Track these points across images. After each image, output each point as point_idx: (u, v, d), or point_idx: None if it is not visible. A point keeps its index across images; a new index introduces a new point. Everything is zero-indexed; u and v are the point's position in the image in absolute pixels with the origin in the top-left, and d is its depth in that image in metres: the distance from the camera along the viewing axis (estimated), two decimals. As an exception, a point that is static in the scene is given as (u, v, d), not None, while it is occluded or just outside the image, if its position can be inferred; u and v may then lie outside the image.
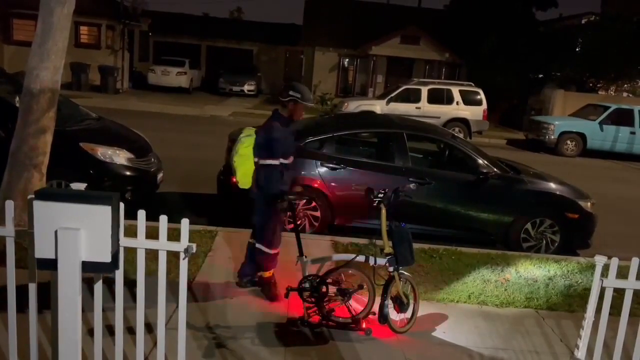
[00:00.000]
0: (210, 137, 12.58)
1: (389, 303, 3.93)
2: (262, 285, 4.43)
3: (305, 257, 4.05)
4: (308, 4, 27.74)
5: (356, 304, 4.15)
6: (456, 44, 24.86)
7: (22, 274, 2.71)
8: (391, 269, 3.96)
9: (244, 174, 4.30)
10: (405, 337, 3.96)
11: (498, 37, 23.17)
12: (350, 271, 4.11)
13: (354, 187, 6.17)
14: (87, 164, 6.07)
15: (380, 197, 4.00)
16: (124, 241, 2.57)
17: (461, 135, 14.63)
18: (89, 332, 2.83)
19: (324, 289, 3.94)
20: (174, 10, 38.39)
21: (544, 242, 6.46)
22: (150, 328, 3.15)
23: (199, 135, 13.48)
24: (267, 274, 4.38)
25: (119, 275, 2.65)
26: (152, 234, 2.75)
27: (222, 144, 7.02)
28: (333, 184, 6.26)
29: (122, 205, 2.39)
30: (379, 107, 16.82)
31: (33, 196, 2.16)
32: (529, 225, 6.43)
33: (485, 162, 6.53)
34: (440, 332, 4.13)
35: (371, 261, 3.99)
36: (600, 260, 3.09)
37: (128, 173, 6.32)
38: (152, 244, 2.71)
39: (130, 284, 2.88)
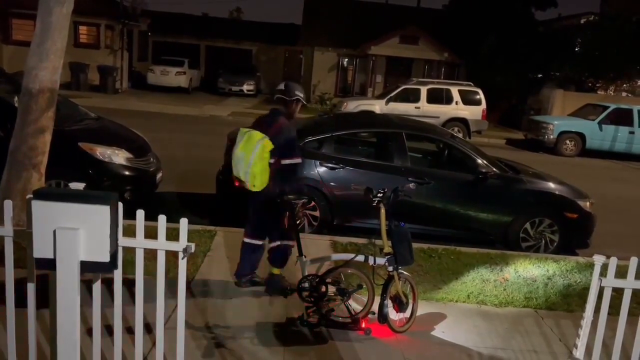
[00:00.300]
0: (209, 137, 12.57)
1: (388, 303, 3.93)
2: (273, 282, 4.43)
3: (305, 256, 4.06)
4: (307, 4, 27.72)
5: (355, 304, 4.15)
6: (455, 43, 24.85)
7: (21, 274, 2.71)
8: (390, 268, 3.96)
9: (264, 178, 4.21)
10: (405, 336, 3.96)
11: (497, 37, 23.18)
12: (349, 271, 4.12)
13: (353, 187, 6.17)
14: (86, 164, 6.07)
15: (379, 197, 4.00)
16: (123, 241, 2.57)
17: (460, 135, 14.65)
18: (88, 332, 2.83)
19: (323, 288, 3.94)
20: (173, 10, 38.38)
21: (543, 241, 6.46)
22: (149, 328, 3.16)
23: (198, 135, 13.48)
24: (278, 270, 4.45)
25: (118, 275, 2.65)
26: (151, 233, 2.75)
27: (221, 143, 7.02)
28: (332, 183, 6.26)
29: (120, 205, 2.39)
30: (378, 106, 16.82)
31: (31, 196, 2.16)
32: (528, 225, 6.43)
33: (485, 161, 6.54)
34: (439, 331, 4.13)
35: (370, 261, 3.99)
36: (599, 259, 3.09)
37: (127, 173, 6.31)
38: (150, 244, 2.70)
39: (129, 284, 2.87)
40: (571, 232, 6.51)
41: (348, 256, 4.12)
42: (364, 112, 15.64)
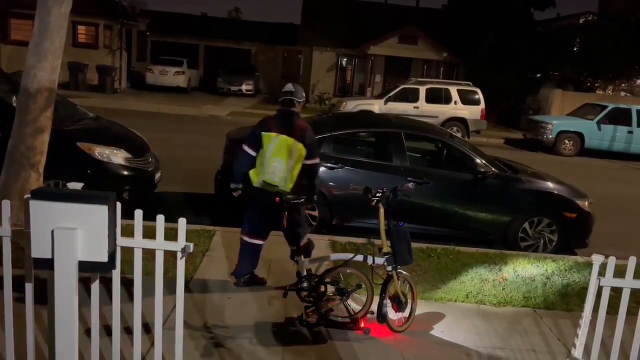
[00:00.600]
0: (208, 136, 12.57)
1: (387, 302, 3.93)
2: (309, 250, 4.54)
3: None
4: (306, 3, 27.70)
5: (354, 304, 4.15)
6: (454, 43, 24.85)
7: (19, 274, 2.70)
8: (389, 268, 3.96)
9: (296, 180, 4.29)
10: (404, 336, 3.96)
11: (496, 36, 23.18)
12: (348, 270, 4.12)
13: (352, 187, 6.17)
14: (85, 164, 6.06)
15: (378, 197, 4.00)
16: (121, 241, 2.56)
17: (459, 135, 14.65)
18: (86, 332, 2.83)
19: (322, 288, 3.94)
20: (172, 9, 38.28)
21: (542, 241, 6.47)
22: (147, 328, 3.15)
23: (197, 135, 13.47)
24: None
25: (116, 275, 2.64)
26: (149, 233, 2.74)
27: (220, 143, 7.02)
28: (331, 183, 6.26)
29: (119, 204, 2.39)
30: (377, 106, 16.83)
31: (29, 196, 2.16)
32: (526, 225, 6.44)
33: (483, 161, 6.54)
34: (438, 331, 4.13)
35: (369, 260, 3.99)
36: (597, 259, 3.09)
37: (125, 173, 6.31)
38: (149, 244, 2.70)
39: (127, 284, 2.87)
40: (570, 232, 6.51)
41: (347, 256, 4.12)
42: (363, 111, 15.65)
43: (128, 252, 2.78)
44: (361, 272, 4.07)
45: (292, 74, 28.72)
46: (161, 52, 27.76)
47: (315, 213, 6.26)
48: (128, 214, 2.83)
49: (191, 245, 2.65)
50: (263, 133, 4.26)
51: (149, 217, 2.86)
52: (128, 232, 2.75)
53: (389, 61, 25.42)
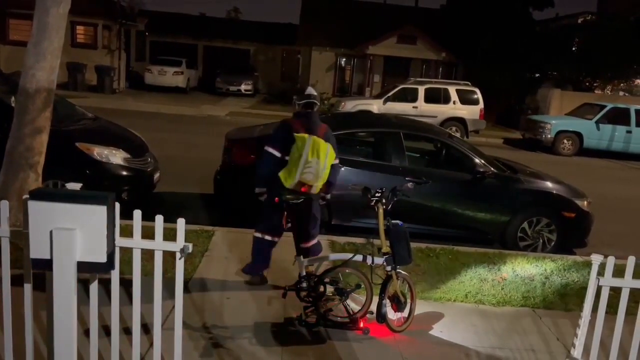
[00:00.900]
0: (207, 137, 12.57)
1: (387, 302, 3.93)
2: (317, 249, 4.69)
3: (303, 256, 4.05)
4: (305, 3, 27.71)
5: (354, 304, 4.15)
6: (453, 43, 24.87)
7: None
8: (389, 268, 3.96)
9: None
10: (403, 336, 3.96)
11: (495, 36, 23.20)
12: (347, 270, 4.12)
13: (351, 187, 6.15)
14: (83, 164, 6.05)
15: (377, 197, 4.00)
16: (120, 241, 2.56)
17: (458, 135, 14.65)
18: (85, 332, 2.82)
19: (321, 288, 3.94)
20: (170, 10, 38.24)
21: (541, 241, 6.47)
22: (146, 328, 3.15)
23: (196, 135, 13.46)
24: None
25: (115, 276, 2.64)
26: (148, 234, 2.74)
27: (219, 143, 7.01)
28: (330, 183, 6.24)
29: (117, 205, 2.39)
30: (376, 106, 16.83)
31: (28, 196, 2.15)
32: (525, 224, 6.44)
33: (482, 161, 6.54)
34: (438, 331, 4.13)
35: (369, 260, 3.99)
36: (596, 258, 3.09)
37: (124, 173, 6.30)
38: (148, 244, 2.70)
39: (126, 284, 2.87)
40: (569, 231, 6.51)
41: (346, 256, 4.12)
42: (362, 111, 15.65)
43: (127, 252, 2.78)
44: (360, 272, 4.07)
45: (291, 74, 28.73)
46: (160, 52, 27.74)
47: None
48: (127, 214, 2.83)
49: (190, 245, 2.65)
50: (296, 135, 4.33)
51: (148, 217, 2.85)
52: (127, 232, 2.75)
53: (388, 61, 25.44)
